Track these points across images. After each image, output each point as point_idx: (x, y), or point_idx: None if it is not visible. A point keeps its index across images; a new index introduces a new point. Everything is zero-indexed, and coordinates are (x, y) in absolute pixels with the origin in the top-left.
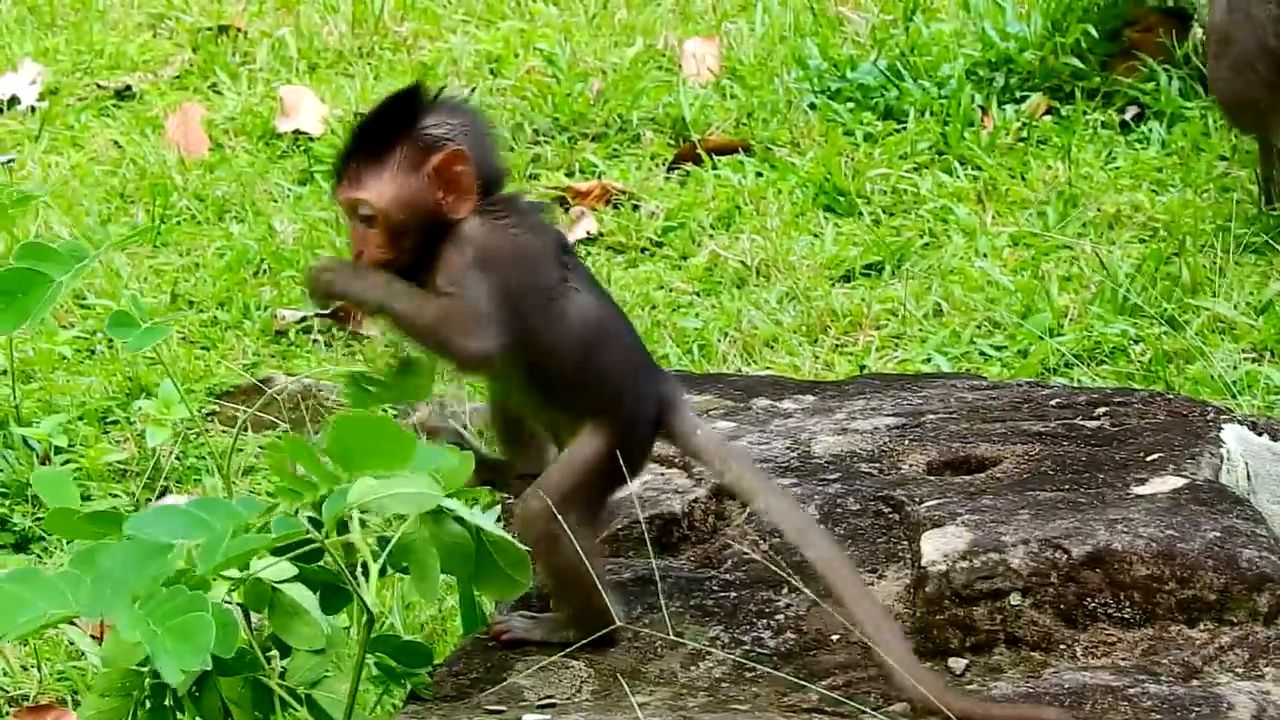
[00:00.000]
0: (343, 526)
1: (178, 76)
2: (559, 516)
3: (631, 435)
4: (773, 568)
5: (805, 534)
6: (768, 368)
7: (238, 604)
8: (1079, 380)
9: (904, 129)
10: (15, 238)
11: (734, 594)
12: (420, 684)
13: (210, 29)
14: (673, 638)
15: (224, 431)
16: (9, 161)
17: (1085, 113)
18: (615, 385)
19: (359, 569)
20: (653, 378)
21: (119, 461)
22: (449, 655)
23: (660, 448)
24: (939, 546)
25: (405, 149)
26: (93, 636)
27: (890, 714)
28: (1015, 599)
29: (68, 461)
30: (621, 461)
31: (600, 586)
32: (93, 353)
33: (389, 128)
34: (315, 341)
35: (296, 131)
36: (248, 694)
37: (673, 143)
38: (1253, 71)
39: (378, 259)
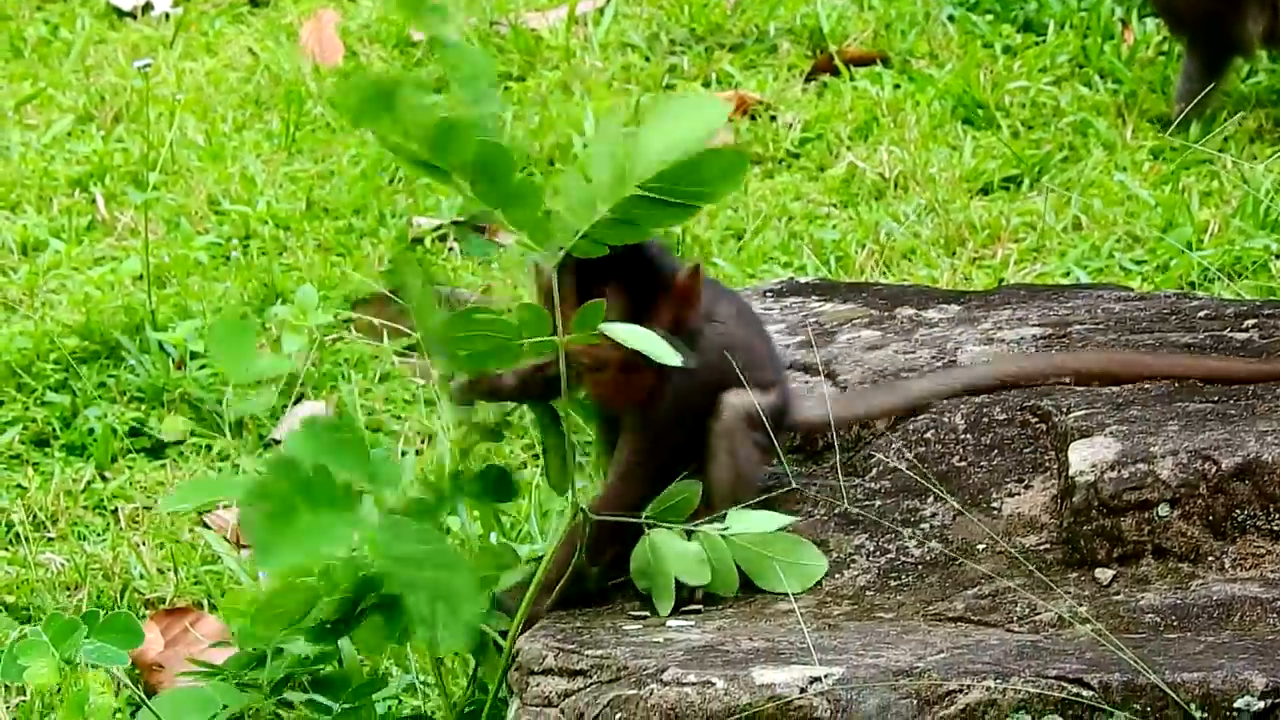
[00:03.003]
0: None
1: None
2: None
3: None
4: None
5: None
6: (905, 279)
7: None
8: (1219, 295)
9: (1043, 41)
10: (152, 143)
11: (878, 503)
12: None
13: None
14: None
15: (360, 338)
16: (145, 67)
17: None
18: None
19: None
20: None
21: None
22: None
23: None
24: (1087, 456)
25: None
26: (226, 540)
27: (1036, 624)
28: (1164, 510)
29: (203, 367)
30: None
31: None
32: (228, 259)
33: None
34: (451, 250)
35: (432, 39)
36: None
37: (810, 54)
38: None
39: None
